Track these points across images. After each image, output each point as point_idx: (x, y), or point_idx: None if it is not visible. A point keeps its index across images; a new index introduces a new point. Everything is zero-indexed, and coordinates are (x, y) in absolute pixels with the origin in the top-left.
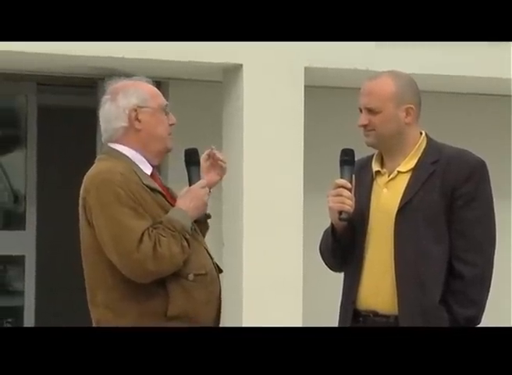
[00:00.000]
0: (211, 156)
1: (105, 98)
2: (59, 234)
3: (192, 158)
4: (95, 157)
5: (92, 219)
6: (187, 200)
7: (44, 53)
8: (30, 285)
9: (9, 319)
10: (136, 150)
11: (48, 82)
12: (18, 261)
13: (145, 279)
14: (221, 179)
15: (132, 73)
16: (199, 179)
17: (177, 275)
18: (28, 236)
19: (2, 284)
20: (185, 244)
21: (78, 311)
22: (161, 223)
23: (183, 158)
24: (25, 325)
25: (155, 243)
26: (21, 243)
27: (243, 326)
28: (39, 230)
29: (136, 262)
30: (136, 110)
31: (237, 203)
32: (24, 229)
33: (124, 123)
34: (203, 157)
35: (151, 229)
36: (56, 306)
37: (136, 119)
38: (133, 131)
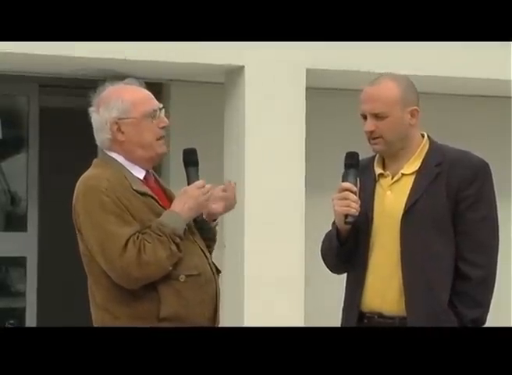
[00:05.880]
0: (228, 190)
1: (91, 109)
2: (61, 236)
3: (190, 159)
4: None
5: (80, 226)
6: (182, 201)
7: (46, 55)
8: (31, 286)
9: (11, 321)
10: (125, 157)
11: (49, 83)
12: (20, 262)
13: (131, 285)
14: (223, 213)
15: (133, 75)
16: (197, 179)
17: (168, 277)
18: (30, 237)
19: (4, 286)
20: (174, 248)
21: (79, 312)
22: (149, 227)
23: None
24: (27, 326)
25: (139, 249)
26: (23, 244)
27: (245, 326)
28: (41, 231)
29: (121, 270)
30: (117, 123)
31: (238, 204)
32: (26, 230)
33: (108, 136)
34: (220, 187)
35: (137, 235)
36: (58, 307)
37: (119, 130)
38: (117, 142)
